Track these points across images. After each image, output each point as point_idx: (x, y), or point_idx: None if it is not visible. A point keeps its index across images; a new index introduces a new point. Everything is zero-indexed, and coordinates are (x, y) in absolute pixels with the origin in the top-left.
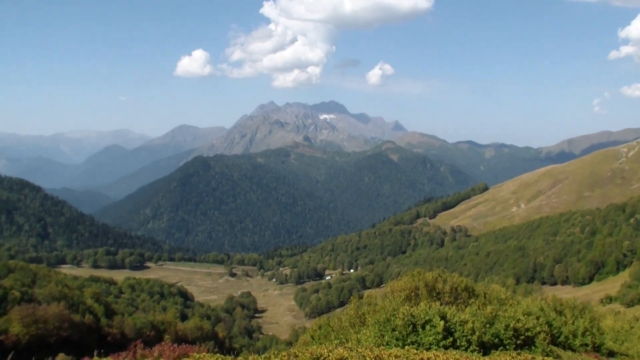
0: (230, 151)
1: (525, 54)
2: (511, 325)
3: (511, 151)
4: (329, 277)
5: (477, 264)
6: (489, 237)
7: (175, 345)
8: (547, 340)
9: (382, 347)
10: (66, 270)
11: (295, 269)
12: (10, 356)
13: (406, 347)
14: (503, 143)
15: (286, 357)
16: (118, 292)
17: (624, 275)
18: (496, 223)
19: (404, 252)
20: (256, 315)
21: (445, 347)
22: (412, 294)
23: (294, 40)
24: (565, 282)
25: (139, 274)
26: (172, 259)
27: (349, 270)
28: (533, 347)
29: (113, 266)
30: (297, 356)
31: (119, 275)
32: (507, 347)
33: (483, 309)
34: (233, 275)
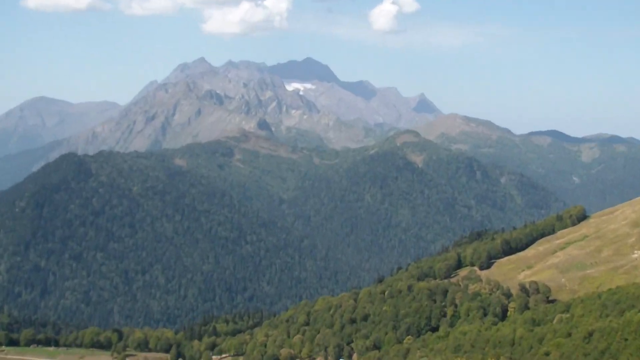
0: (127, 145)
1: None
2: None
3: (630, 150)
4: None
5: (570, 354)
6: (591, 304)
7: None
8: None
9: None
10: None
11: (241, 358)
12: None
13: None
14: (615, 135)
15: None
16: None
17: None
18: (604, 279)
19: (435, 329)
20: None
21: None
22: None
23: None
24: None
25: None
26: (14, 342)
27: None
28: None
29: None
30: None
31: None
32: None
33: None
34: None
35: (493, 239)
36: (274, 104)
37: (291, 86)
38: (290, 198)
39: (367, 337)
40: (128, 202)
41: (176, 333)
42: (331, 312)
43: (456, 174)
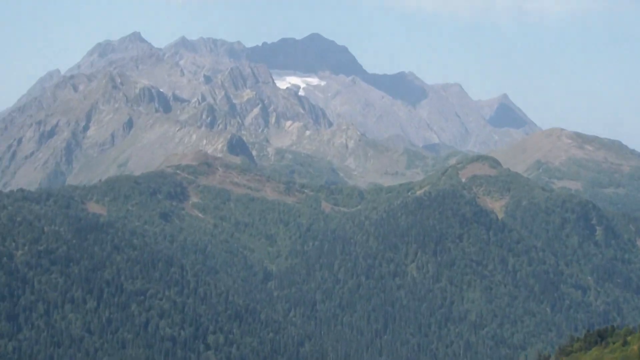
0: (6, 179)
1: None
2: None
3: None
4: None
5: None
6: None
7: None
8: None
9: None
10: None
11: None
12: None
13: None
14: None
15: None
16: None
17: None
18: None
19: None
20: None
21: None
22: None
23: None
24: None
25: None
26: None
27: None
28: None
29: None
30: None
31: None
32: None
33: None
34: None
35: (626, 343)
36: (257, 110)
37: (285, 82)
38: (282, 271)
39: None
40: (7, 276)
41: None
42: None
43: (561, 232)
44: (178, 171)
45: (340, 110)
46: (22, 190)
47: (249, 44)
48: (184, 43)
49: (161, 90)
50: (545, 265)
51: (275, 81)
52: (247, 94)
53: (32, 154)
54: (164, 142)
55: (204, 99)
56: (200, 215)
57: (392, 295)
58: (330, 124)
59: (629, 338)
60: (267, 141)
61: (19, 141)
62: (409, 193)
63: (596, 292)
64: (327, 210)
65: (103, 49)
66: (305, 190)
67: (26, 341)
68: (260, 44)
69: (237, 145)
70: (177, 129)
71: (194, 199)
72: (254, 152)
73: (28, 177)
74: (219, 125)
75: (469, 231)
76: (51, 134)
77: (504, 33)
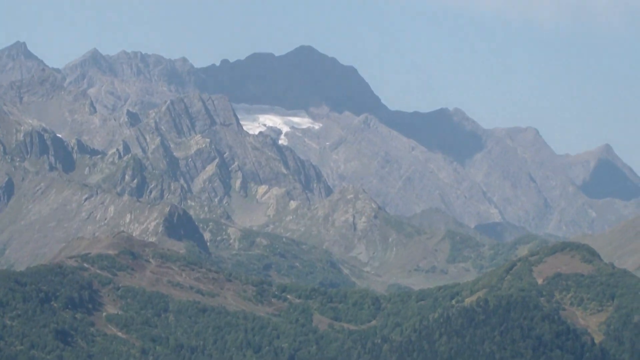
0: None
1: None
2: None
3: None
4: None
5: None
6: None
7: None
8: None
9: None
10: None
11: None
12: None
13: None
14: None
15: None
16: None
17: None
18: None
19: None
20: None
21: None
22: None
23: None
24: None
25: None
26: None
27: None
28: None
29: None
30: None
31: None
32: None
33: None
34: None
35: None
36: (212, 168)
37: (257, 123)
38: None
39: None
40: None
41: None
42: None
43: None
44: (86, 264)
45: (344, 168)
46: None
47: (200, 62)
48: (95, 60)
49: (59, 135)
50: None
51: (242, 122)
52: (197, 142)
53: None
54: (64, 217)
55: (127, 149)
56: (120, 334)
57: None
58: (330, 191)
59: None
60: (229, 218)
61: None
62: (454, 301)
63: None
64: (322, 327)
65: None
66: (289, 296)
67: None
68: (217, 63)
69: (180, 225)
70: (84, 197)
71: (111, 308)
72: (206, 236)
73: None
74: (151, 192)
75: None
76: None
77: (606, 45)
